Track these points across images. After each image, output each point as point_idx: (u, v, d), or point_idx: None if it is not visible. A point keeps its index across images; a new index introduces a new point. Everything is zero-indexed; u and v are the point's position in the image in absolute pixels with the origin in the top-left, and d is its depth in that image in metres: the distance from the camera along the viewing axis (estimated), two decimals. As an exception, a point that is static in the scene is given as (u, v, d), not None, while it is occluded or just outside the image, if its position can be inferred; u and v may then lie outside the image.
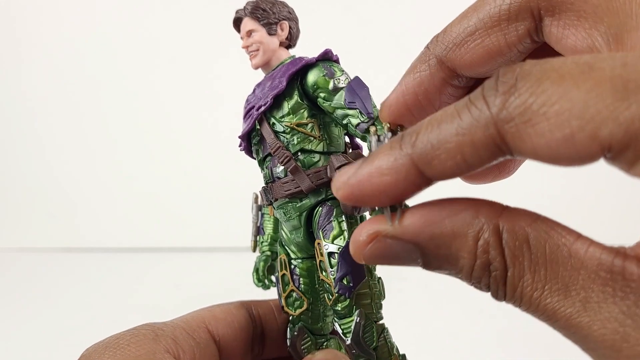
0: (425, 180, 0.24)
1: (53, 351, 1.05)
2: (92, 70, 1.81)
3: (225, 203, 1.58)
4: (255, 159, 0.53)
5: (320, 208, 0.48)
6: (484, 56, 0.29)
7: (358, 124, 0.46)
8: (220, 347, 0.43)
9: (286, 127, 0.48)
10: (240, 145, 0.53)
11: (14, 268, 1.67)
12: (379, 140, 0.43)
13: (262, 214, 0.59)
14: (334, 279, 0.45)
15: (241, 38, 0.52)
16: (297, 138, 0.48)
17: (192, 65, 1.75)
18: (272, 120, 0.49)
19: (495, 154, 0.22)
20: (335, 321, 0.46)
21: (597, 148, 0.20)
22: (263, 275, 0.57)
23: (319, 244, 0.46)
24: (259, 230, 0.59)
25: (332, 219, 0.47)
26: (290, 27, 0.52)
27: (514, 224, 0.23)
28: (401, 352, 0.46)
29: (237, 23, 0.53)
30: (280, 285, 0.50)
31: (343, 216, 0.47)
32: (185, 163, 1.78)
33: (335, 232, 0.46)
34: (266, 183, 0.51)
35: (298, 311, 0.49)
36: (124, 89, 1.81)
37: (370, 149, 0.44)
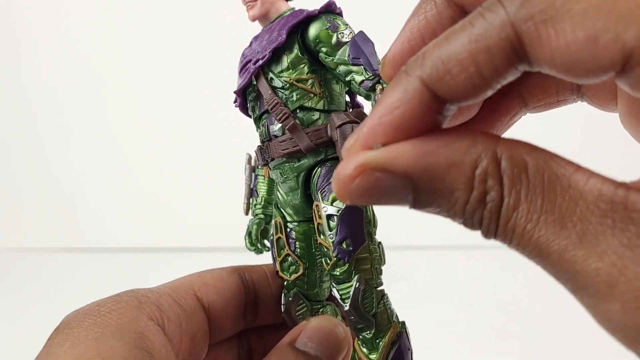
0: (440, 104, 0.22)
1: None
2: (92, 70, 1.81)
3: (225, 203, 1.57)
4: (250, 117, 0.50)
5: (319, 169, 0.46)
6: None
7: (362, 82, 0.43)
8: (209, 314, 0.41)
9: (285, 83, 0.46)
10: (235, 102, 0.51)
11: (14, 268, 1.67)
12: None
13: (256, 176, 0.57)
14: (332, 242, 0.43)
15: None
16: (297, 94, 0.46)
17: (193, 61, 1.74)
18: (270, 75, 0.46)
19: (511, 61, 0.21)
20: (333, 286, 0.44)
21: (617, 54, 0.19)
22: (256, 238, 0.55)
23: (317, 205, 0.44)
24: (252, 193, 0.57)
25: (331, 180, 0.45)
26: None
27: (512, 152, 0.22)
28: (400, 320, 0.45)
29: None
30: (275, 249, 0.48)
31: None
32: (186, 163, 1.77)
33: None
34: (262, 142, 0.48)
35: (293, 276, 0.47)
36: (125, 88, 1.80)
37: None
